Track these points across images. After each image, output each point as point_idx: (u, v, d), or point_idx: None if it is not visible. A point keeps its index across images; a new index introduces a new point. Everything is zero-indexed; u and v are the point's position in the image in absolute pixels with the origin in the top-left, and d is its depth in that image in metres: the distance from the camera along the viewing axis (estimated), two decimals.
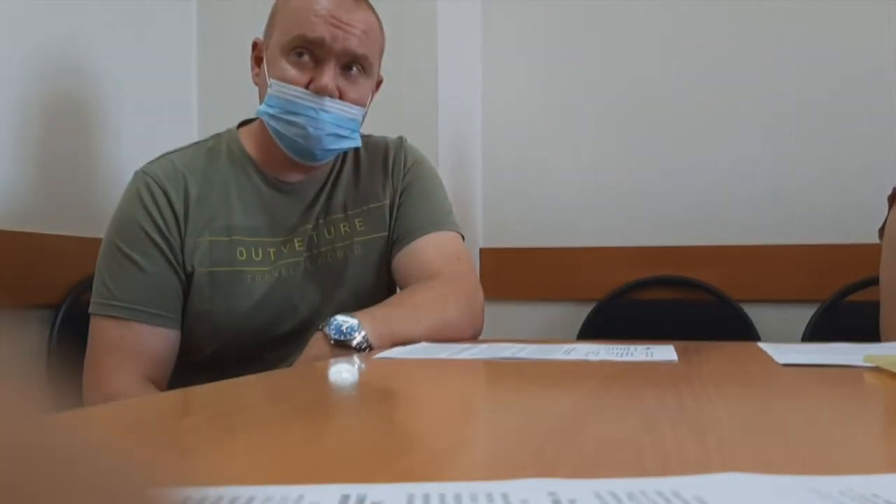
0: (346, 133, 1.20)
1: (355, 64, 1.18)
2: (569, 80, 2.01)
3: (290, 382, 0.77)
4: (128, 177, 1.23)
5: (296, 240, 1.23)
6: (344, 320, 1.02)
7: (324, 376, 0.81)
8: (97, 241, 1.22)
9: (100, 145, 1.63)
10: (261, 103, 1.21)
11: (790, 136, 1.88)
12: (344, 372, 0.83)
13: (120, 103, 1.67)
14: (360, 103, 1.20)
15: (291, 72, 1.16)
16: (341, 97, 1.17)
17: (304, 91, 1.16)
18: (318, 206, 1.26)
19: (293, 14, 1.16)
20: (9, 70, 1.43)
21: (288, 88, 1.16)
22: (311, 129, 1.17)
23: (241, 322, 1.19)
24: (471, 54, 2.03)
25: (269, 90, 1.17)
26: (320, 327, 1.04)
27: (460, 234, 1.31)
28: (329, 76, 1.15)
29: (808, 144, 1.87)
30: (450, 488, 0.28)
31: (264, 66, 1.20)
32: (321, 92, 1.15)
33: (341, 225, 1.26)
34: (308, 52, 1.15)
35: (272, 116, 1.18)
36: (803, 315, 1.79)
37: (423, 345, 1.03)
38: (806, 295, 1.81)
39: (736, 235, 1.89)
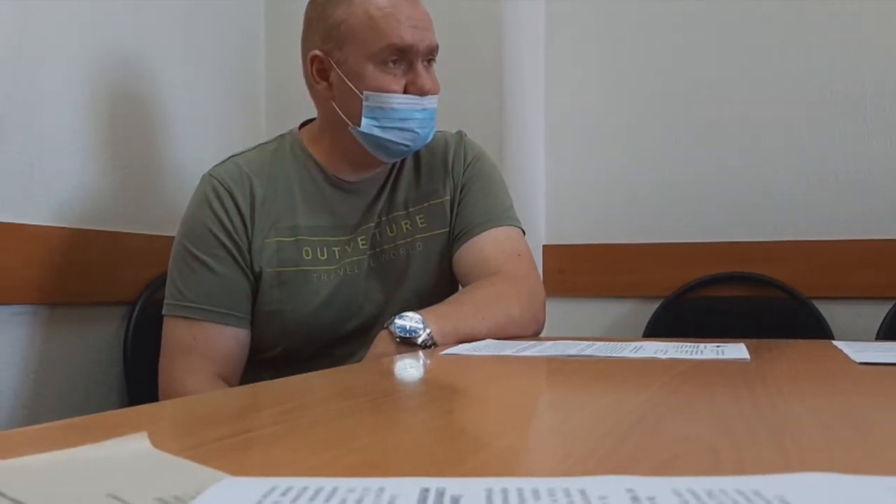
0: (435, 123, 1.23)
1: (432, 55, 1.20)
2: (634, 73, 1.98)
3: (358, 378, 0.78)
4: (201, 176, 1.26)
5: (359, 238, 1.25)
6: (409, 318, 1.03)
7: (391, 372, 0.82)
8: (171, 240, 1.25)
9: (173, 145, 1.67)
10: (346, 116, 1.20)
11: (863, 128, 1.82)
12: (411, 368, 0.84)
13: (192, 104, 1.72)
14: (439, 89, 1.22)
15: (387, 80, 1.17)
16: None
17: (408, 96, 1.18)
18: (380, 204, 1.27)
19: (369, 24, 1.16)
20: (82, 73, 1.48)
21: (390, 97, 1.17)
22: (418, 131, 1.19)
23: (308, 321, 1.22)
24: (535, 48, 2.02)
25: (366, 103, 1.18)
26: (385, 325, 1.05)
27: (521, 228, 1.31)
28: (424, 76, 1.18)
29: (882, 137, 1.81)
30: (527, 484, 0.28)
31: (342, 79, 1.19)
32: (423, 93, 1.18)
33: (403, 222, 1.27)
34: (397, 57, 1.17)
35: (380, 128, 1.18)
36: (878, 312, 1.73)
37: (489, 342, 1.03)
38: (881, 292, 1.75)
39: (808, 230, 1.84)
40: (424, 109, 1.19)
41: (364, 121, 1.18)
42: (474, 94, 1.78)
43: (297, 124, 1.33)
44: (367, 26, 1.17)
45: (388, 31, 1.16)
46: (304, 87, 1.27)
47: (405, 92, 1.18)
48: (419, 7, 1.20)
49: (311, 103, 1.29)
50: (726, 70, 1.91)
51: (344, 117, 1.21)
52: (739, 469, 0.35)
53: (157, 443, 0.38)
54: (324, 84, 1.22)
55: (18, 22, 1.34)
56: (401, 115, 1.18)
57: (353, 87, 1.18)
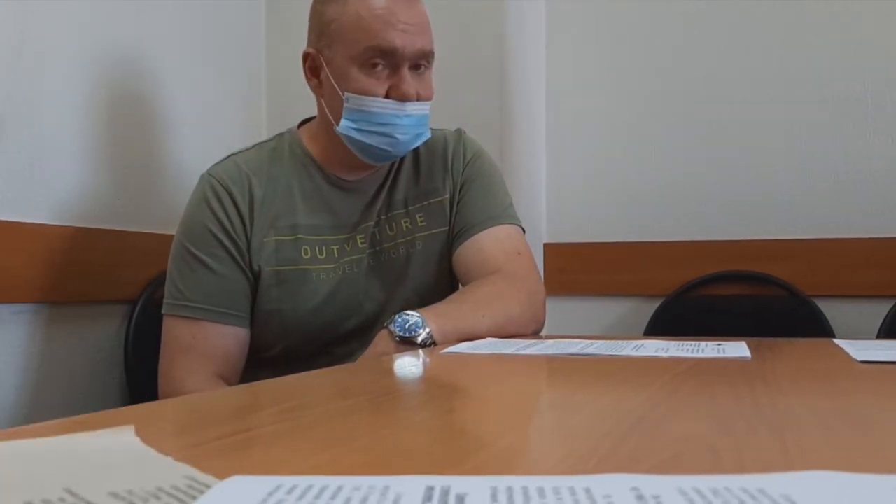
0: (423, 130, 1.21)
1: (424, 60, 1.18)
2: (634, 73, 1.98)
3: (358, 378, 0.78)
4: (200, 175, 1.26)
5: (358, 237, 1.25)
6: (409, 317, 1.03)
7: (391, 371, 0.81)
8: (172, 238, 1.25)
9: (173, 145, 1.67)
10: (331, 115, 1.20)
11: (864, 126, 1.82)
12: (411, 367, 0.83)
13: (192, 104, 1.72)
14: (431, 97, 1.21)
15: (369, 83, 1.15)
16: (417, 97, 1.17)
17: (389, 101, 1.16)
18: (380, 203, 1.27)
19: (357, 24, 1.15)
20: (82, 73, 1.47)
21: (370, 101, 1.16)
22: (399, 136, 1.17)
23: (308, 319, 1.21)
24: (536, 48, 2.02)
25: (346, 104, 1.17)
26: (385, 324, 1.05)
27: (521, 226, 1.31)
28: (408, 82, 1.15)
29: (882, 137, 1.81)
30: (532, 482, 0.28)
31: (329, 79, 1.19)
32: (404, 99, 1.15)
33: (402, 221, 1.27)
34: (382, 60, 1.15)
35: (358, 130, 1.17)
36: (879, 311, 1.73)
37: (489, 340, 1.03)
38: (882, 290, 1.75)
39: (808, 229, 1.84)
40: (407, 116, 1.16)
41: (343, 122, 1.17)
42: (474, 94, 1.78)
43: (298, 121, 1.33)
44: (355, 26, 1.15)
45: (373, 33, 1.13)
46: (305, 87, 1.27)
47: (387, 96, 1.16)
48: (415, 10, 1.17)
49: (311, 103, 1.28)
50: (726, 70, 1.91)
51: (329, 116, 1.20)
52: (740, 468, 0.35)
53: (157, 441, 0.38)
54: (315, 81, 1.22)
55: (18, 22, 1.34)
56: (379, 120, 1.16)
57: (336, 88, 1.17)
